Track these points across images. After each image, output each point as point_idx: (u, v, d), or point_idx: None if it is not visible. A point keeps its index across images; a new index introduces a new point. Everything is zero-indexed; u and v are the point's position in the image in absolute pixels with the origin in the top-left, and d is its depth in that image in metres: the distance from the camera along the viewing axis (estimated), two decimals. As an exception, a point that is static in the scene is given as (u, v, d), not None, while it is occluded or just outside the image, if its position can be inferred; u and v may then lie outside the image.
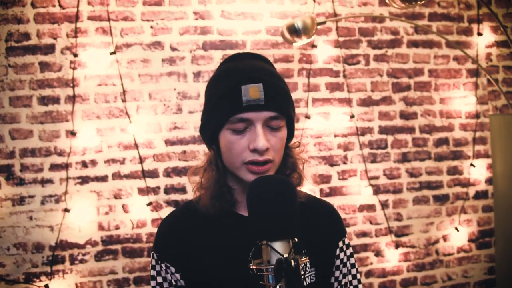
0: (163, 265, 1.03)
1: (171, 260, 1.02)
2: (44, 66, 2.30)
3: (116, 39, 2.35)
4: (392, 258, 2.55)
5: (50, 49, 2.31)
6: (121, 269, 2.32)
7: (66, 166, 2.29)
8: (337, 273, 1.07)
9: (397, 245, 2.55)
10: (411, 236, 2.59)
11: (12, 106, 2.28)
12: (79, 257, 2.30)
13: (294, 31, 2.02)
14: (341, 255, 1.09)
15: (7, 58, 2.28)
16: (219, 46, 2.42)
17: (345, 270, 1.08)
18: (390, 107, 2.58)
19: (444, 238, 2.62)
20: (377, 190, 2.55)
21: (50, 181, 2.29)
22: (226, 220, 1.04)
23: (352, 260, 1.10)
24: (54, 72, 2.31)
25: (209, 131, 0.99)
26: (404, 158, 2.59)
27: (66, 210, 2.26)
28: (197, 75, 2.40)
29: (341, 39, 2.54)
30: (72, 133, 2.28)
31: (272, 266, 0.88)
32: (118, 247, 2.32)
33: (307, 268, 1.00)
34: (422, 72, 2.61)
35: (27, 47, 2.30)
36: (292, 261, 0.80)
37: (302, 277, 0.87)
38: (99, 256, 2.31)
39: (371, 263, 2.53)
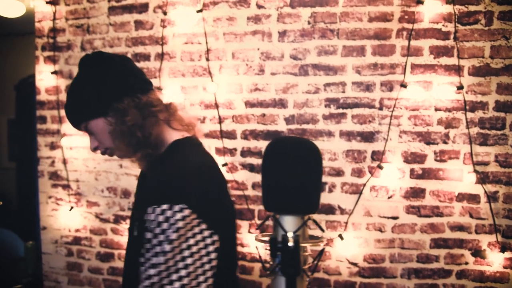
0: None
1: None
2: (138, 25, 2.41)
3: (204, -4, 2.32)
4: (495, 262, 2.13)
5: (144, 7, 2.40)
6: (195, 224, 2.39)
7: (152, 121, 2.40)
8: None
9: (504, 248, 2.11)
10: (524, 239, 2.11)
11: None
12: (159, 208, 2.43)
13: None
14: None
15: (108, 17, 2.45)
16: (308, 2, 2.22)
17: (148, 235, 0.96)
18: (515, 79, 2.08)
19: None
20: (484, 179, 2.12)
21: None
22: None
23: (152, 226, 0.94)
24: (147, 30, 2.40)
25: None
26: (527, 144, 2.09)
27: (150, 162, 2.39)
28: (282, 34, 2.25)
29: (457, -7, 2.10)
30: (159, 89, 2.37)
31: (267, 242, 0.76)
32: (193, 203, 2.39)
33: (305, 251, 0.84)
34: None
35: (125, 6, 2.42)
36: (291, 240, 0.66)
37: (301, 258, 0.72)
38: (176, 209, 2.41)
39: (466, 263, 2.15)
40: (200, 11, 2.29)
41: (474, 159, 2.12)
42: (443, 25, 2.12)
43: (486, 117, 2.11)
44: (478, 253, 2.15)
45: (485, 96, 2.11)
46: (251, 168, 2.32)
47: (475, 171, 2.11)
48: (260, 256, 0.77)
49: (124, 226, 2.48)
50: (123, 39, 2.44)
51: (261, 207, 2.31)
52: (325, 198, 2.25)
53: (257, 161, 2.31)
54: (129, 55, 2.43)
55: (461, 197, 2.15)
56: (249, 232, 2.33)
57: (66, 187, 2.57)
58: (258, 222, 2.31)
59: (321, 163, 0.78)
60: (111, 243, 2.51)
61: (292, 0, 2.24)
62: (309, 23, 2.22)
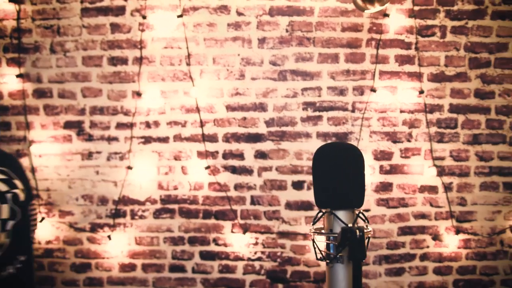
0: None
1: None
2: (115, 28, 2.37)
3: (183, 1, 2.35)
4: (450, 244, 2.43)
5: (121, 10, 2.36)
6: (177, 227, 2.41)
7: (131, 126, 2.38)
8: None
9: (458, 231, 2.42)
10: (474, 223, 2.44)
11: (84, 65, 2.38)
12: (139, 213, 2.41)
13: (368, -4, 1.90)
14: None
15: (81, 19, 2.37)
16: (286, 12, 2.35)
17: None
18: (465, 84, 2.40)
19: None
20: (441, 172, 2.41)
21: (115, 139, 2.39)
22: None
23: None
24: (124, 33, 2.37)
25: None
26: (475, 140, 2.41)
27: (129, 168, 2.37)
28: (262, 41, 2.36)
29: (416, 8, 2.37)
30: (138, 94, 2.35)
31: (335, 235, 0.87)
32: (175, 206, 2.41)
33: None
34: (506, 47, 2.38)
35: (100, 8, 2.37)
36: (357, 231, 0.78)
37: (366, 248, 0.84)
38: (157, 214, 2.41)
39: (428, 247, 2.43)
40: (180, 16, 2.31)
41: (433, 155, 2.40)
42: (406, 36, 2.37)
43: (442, 118, 2.40)
44: (437, 237, 2.44)
45: (441, 99, 2.40)
46: (233, 170, 2.40)
47: (435, 165, 2.40)
48: (317, 246, 0.88)
49: (102, 234, 2.42)
50: (98, 42, 2.37)
51: (244, 207, 2.40)
52: (304, 195, 2.40)
53: (239, 163, 2.39)
54: (105, 59, 2.37)
55: (422, 189, 2.42)
56: (232, 231, 2.40)
57: (36, 197, 2.44)
58: (241, 221, 2.40)
59: (365, 164, 0.91)
60: (87, 253, 2.44)
61: (271, 9, 2.35)
62: (287, 31, 2.35)
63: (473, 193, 2.43)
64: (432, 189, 2.42)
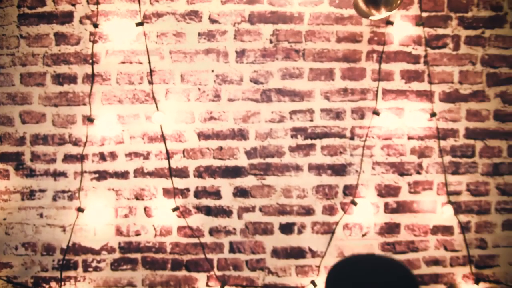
0: None
1: None
2: (61, 38, 1.94)
3: (144, 7, 1.93)
4: (469, 294, 2.04)
5: (67, 17, 1.93)
6: (140, 281, 1.97)
7: (81, 158, 1.94)
8: None
9: (478, 279, 2.02)
10: (496, 269, 2.05)
11: (24, 85, 1.94)
12: (93, 264, 1.97)
13: (372, 1, 1.50)
14: None
15: (19, 28, 1.93)
16: (269, 19, 1.95)
17: None
18: (483, 105, 2.01)
19: (540, 274, 2.06)
20: (457, 209, 2.02)
21: (63, 174, 1.95)
22: None
23: None
24: (72, 45, 1.94)
25: None
26: (496, 171, 2.03)
27: (80, 210, 1.92)
28: (240, 54, 1.95)
29: (424, 14, 1.98)
30: (89, 119, 1.92)
31: None
32: (137, 256, 1.97)
33: None
34: (531, 61, 2.01)
35: (42, 15, 1.93)
36: None
37: None
38: (115, 265, 1.97)
39: (443, 298, 2.03)
40: (141, 24, 1.89)
41: (447, 189, 2.00)
42: (413, 48, 1.98)
43: (457, 145, 2.01)
44: (453, 286, 2.04)
45: (456, 123, 2.01)
46: (207, 211, 1.97)
47: (449, 201, 2.00)
48: None
49: (47, 290, 1.96)
50: (40, 56, 1.94)
51: (221, 255, 1.97)
52: (294, 240, 1.98)
53: (215, 202, 1.96)
54: (48, 76, 1.93)
55: (435, 230, 2.02)
56: (207, 285, 1.97)
57: (-36, 246, 1.98)
58: (218, 273, 1.97)
59: None
60: (30, 313, 1.98)
61: (251, 15, 1.94)
62: (271, 41, 1.95)
63: (495, 233, 2.04)
64: (447, 230, 2.02)
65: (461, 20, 2.00)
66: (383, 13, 1.55)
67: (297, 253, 1.98)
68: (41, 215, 1.97)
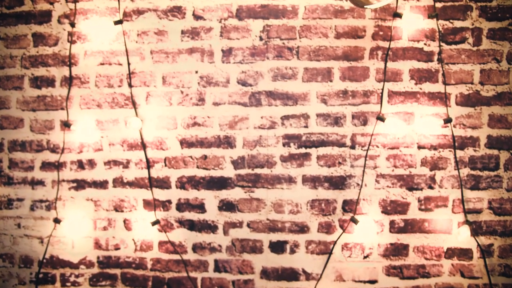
0: None
1: None
2: (39, 39, 1.83)
3: (124, 3, 1.79)
4: (491, 328, 1.75)
5: (46, 16, 1.82)
6: (120, 299, 1.83)
7: (58, 166, 1.82)
8: None
9: (502, 312, 1.74)
10: (525, 301, 1.75)
11: (1, 88, 1.84)
12: (71, 279, 1.84)
13: (366, -14, 1.28)
14: None
15: (-3, 28, 1.84)
16: (259, 13, 1.75)
17: None
18: (508, 109, 1.73)
19: None
20: (476, 230, 1.74)
21: (41, 182, 1.84)
22: None
23: None
24: (50, 46, 1.82)
25: None
26: (525, 186, 1.74)
27: (57, 221, 1.80)
28: (227, 53, 1.76)
29: (438, 5, 1.72)
30: (66, 125, 1.79)
31: None
32: (117, 271, 1.83)
33: None
34: None
35: (20, 15, 1.83)
36: None
37: None
38: (94, 280, 1.84)
39: (459, 332, 1.76)
40: (120, 22, 1.75)
41: (465, 206, 1.73)
42: (425, 44, 1.72)
43: (477, 156, 1.74)
44: (471, 319, 1.76)
45: (475, 130, 1.73)
46: (190, 225, 1.79)
47: (467, 221, 1.72)
48: None
49: (24, 305, 1.86)
50: (17, 58, 1.84)
51: (206, 274, 1.79)
52: (286, 260, 1.77)
53: (198, 216, 1.79)
54: (26, 79, 1.83)
55: (450, 253, 1.75)
56: (191, 306, 1.80)
57: None
58: (203, 293, 1.79)
59: None
60: (8, 328, 1.88)
61: (239, 10, 1.76)
62: (261, 39, 1.75)
63: (523, 259, 1.74)
64: (464, 254, 1.75)
65: (483, 11, 1.72)
66: (381, 1, 1.32)
67: (290, 274, 1.77)
68: (18, 225, 1.87)
